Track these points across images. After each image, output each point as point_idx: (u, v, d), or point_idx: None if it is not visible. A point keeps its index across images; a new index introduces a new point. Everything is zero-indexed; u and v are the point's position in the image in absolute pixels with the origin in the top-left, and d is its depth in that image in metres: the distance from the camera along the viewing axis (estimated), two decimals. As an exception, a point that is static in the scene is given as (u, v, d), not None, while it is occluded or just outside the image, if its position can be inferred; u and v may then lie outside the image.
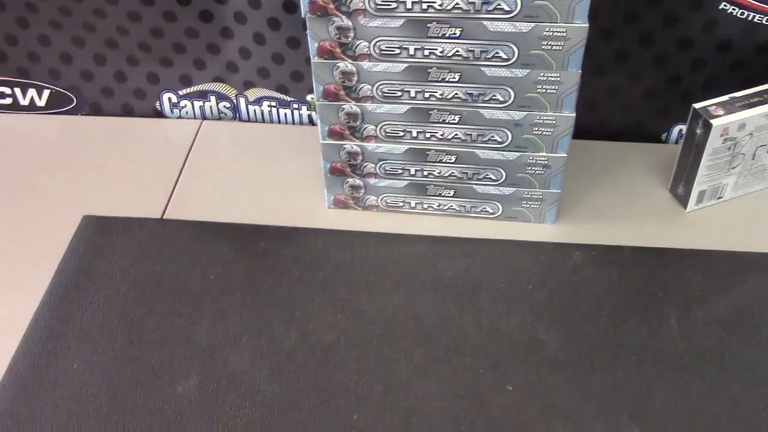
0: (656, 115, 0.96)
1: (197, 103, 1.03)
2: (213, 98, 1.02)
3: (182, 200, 0.91)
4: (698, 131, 0.81)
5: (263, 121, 1.03)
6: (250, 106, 1.02)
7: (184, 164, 0.96)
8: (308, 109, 1.01)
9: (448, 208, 0.87)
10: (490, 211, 0.86)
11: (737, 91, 0.83)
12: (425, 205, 0.87)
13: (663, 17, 0.86)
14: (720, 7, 0.84)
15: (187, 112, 1.04)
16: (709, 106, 0.81)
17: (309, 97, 1.00)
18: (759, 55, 0.88)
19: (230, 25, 0.94)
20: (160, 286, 0.81)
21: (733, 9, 0.84)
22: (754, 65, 0.89)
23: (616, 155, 0.96)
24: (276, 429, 0.68)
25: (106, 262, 0.84)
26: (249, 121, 1.04)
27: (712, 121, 0.79)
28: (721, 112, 0.80)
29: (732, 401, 0.70)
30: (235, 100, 1.02)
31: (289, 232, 0.87)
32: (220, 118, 1.04)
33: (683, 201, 0.88)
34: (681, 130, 0.97)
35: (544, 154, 0.80)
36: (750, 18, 0.85)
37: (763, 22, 0.85)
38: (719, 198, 0.88)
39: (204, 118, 1.04)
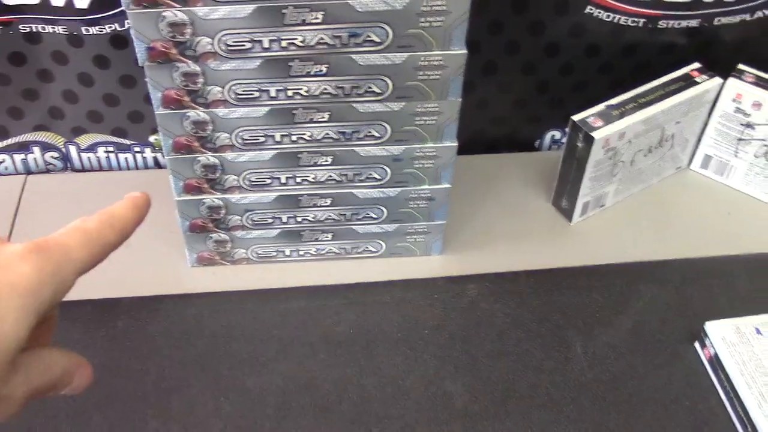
0: (528, 124, 0.92)
1: (18, 156, 0.88)
2: (37, 149, 0.87)
3: (14, 278, 0.77)
4: (579, 144, 0.78)
5: (101, 168, 0.90)
6: (83, 154, 0.88)
7: (11, 231, 0.81)
8: (153, 151, 0.89)
9: (327, 252, 0.79)
10: (373, 249, 0.79)
11: (605, 93, 0.81)
12: (302, 252, 0.78)
13: (528, 24, 0.82)
14: (586, 11, 0.81)
15: (6, 168, 0.88)
16: (587, 117, 0.78)
17: (152, 138, 0.88)
18: (626, 57, 0.86)
19: (48, 67, 0.80)
20: None
21: (599, 12, 0.81)
22: (622, 67, 0.87)
23: (493, 169, 0.91)
24: None
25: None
26: (83, 170, 0.90)
27: (593, 133, 0.76)
28: (600, 123, 0.77)
29: (651, 429, 0.67)
30: (64, 149, 0.88)
31: (151, 302, 0.76)
32: (48, 171, 0.90)
33: (567, 214, 0.84)
34: (553, 135, 0.94)
35: (426, 186, 0.74)
36: (616, 20, 0.82)
37: (629, 23, 0.82)
38: (602, 206, 0.86)
39: (29, 172, 0.89)
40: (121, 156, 0.89)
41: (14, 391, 0.32)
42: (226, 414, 0.67)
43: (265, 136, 0.68)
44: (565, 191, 0.83)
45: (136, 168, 0.91)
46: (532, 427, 0.67)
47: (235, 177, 0.71)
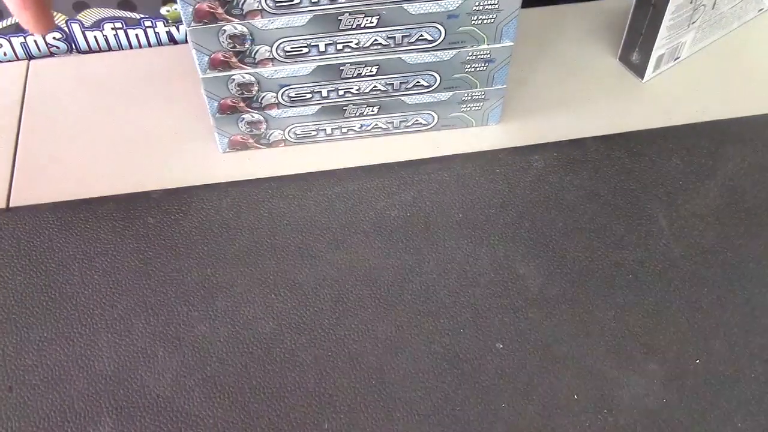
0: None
1: (17, 40, 0.78)
2: (36, 30, 0.78)
3: (30, 177, 0.70)
4: (657, -13, 0.67)
5: (109, 48, 0.80)
6: (88, 33, 0.79)
7: (19, 125, 0.73)
8: (166, 25, 0.79)
9: (373, 128, 0.70)
10: (424, 122, 0.71)
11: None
12: (345, 129, 0.70)
13: None
14: None
15: (5, 54, 0.79)
16: (668, -47, 0.67)
17: (164, 10, 0.77)
18: None
19: (37, -69, 0.69)
20: (28, 302, 0.61)
21: None
22: None
23: (550, 23, 0.81)
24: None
25: (-53, 283, 0.63)
26: (90, 51, 0.81)
27: (675, -28, 0.65)
28: (682, -40, 0.66)
29: (749, 305, 0.61)
30: (66, 29, 0.78)
31: (182, 194, 0.68)
32: (51, 55, 0.80)
33: (638, 70, 0.75)
34: (616, -19, 0.83)
35: (485, 46, 0.64)
36: None
37: None
38: (677, 59, 0.76)
39: (30, 57, 0.80)
40: (131, 33, 0.79)
41: None
42: (277, 311, 0.61)
43: (299, -5, 0.58)
44: (636, 44, 0.73)
45: (149, 45, 0.81)
46: (616, 309, 0.61)
47: (267, 47, 0.61)
